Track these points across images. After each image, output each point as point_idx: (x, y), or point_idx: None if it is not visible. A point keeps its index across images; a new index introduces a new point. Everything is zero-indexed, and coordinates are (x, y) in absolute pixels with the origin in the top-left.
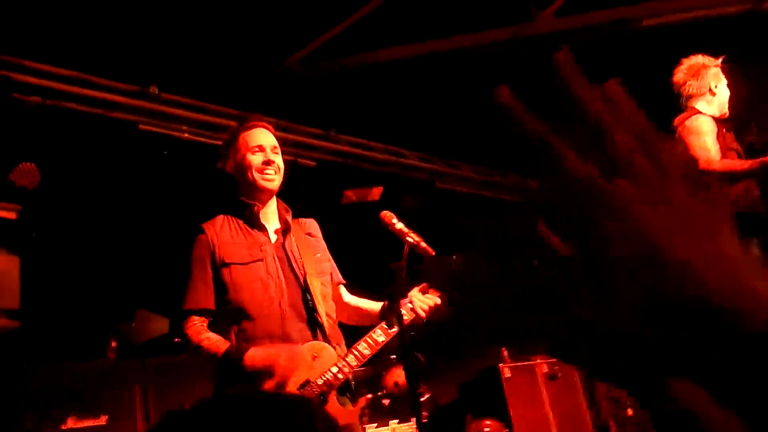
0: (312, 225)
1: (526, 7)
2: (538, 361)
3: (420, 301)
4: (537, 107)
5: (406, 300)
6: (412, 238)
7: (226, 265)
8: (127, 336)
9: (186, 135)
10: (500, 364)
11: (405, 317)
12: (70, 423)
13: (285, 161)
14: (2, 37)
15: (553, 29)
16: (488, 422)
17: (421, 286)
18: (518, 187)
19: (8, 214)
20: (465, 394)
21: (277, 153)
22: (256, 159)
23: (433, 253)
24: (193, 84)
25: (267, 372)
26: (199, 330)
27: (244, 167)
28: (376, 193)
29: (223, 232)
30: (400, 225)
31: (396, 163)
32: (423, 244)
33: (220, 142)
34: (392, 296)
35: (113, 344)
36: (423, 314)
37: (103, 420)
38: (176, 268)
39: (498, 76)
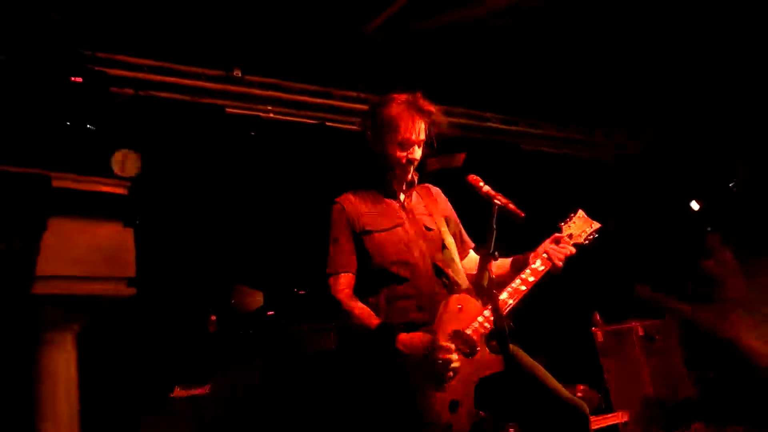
0: (438, 191)
1: None
2: (633, 324)
3: (556, 251)
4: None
5: (541, 251)
6: (500, 200)
7: (368, 233)
8: (226, 310)
9: (271, 115)
10: (593, 328)
11: (541, 268)
12: (177, 392)
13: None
14: (95, 34)
15: None
16: (580, 387)
17: (553, 237)
18: (601, 143)
19: (120, 190)
20: (556, 360)
21: (421, 147)
22: (402, 153)
23: (523, 215)
24: (274, 63)
25: (414, 360)
26: (351, 295)
27: (387, 155)
28: (459, 159)
29: (358, 203)
30: (487, 187)
31: (478, 127)
32: (511, 206)
33: (305, 120)
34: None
35: (213, 318)
36: (560, 263)
37: (207, 389)
38: (270, 244)
39: (581, 27)
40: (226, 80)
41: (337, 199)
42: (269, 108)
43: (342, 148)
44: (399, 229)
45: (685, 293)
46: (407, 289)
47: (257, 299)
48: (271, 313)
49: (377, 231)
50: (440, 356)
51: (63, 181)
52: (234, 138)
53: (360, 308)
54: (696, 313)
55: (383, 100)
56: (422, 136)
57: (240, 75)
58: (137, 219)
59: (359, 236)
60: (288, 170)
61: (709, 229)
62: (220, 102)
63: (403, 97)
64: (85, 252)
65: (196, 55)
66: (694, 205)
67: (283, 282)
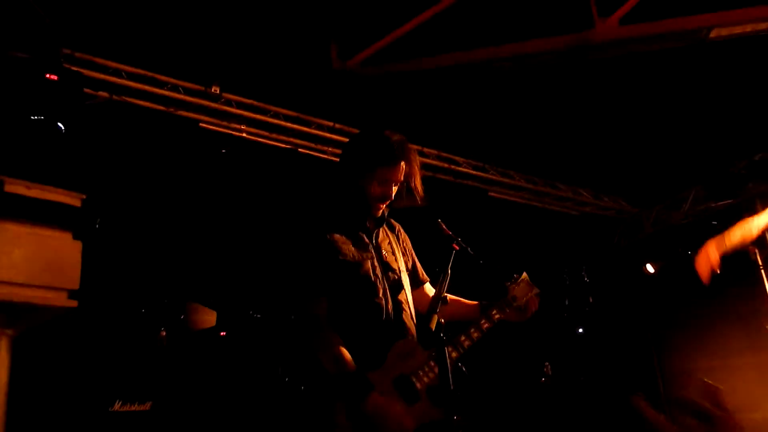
0: (399, 226)
1: (588, 14)
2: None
3: (502, 317)
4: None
5: (487, 312)
6: (461, 245)
7: (337, 261)
8: (177, 326)
9: (244, 134)
10: (543, 379)
11: (485, 326)
12: (117, 406)
13: None
14: (75, 35)
15: (615, 37)
16: None
17: (499, 302)
18: (568, 198)
19: (74, 201)
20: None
21: (397, 186)
22: (379, 190)
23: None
24: (253, 85)
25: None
26: (328, 341)
27: (364, 189)
28: (424, 200)
29: (330, 229)
30: (449, 232)
31: (448, 170)
32: (470, 251)
33: (278, 143)
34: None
35: (163, 333)
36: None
37: (148, 406)
38: (229, 263)
39: (557, 85)
40: (204, 95)
41: (310, 222)
42: (243, 127)
43: (312, 176)
44: (368, 263)
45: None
46: (366, 326)
47: (210, 318)
48: (223, 334)
49: (348, 260)
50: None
51: (15, 186)
52: (205, 153)
53: (340, 343)
54: None
55: (375, 134)
56: (401, 177)
57: (218, 92)
58: (97, 223)
59: (328, 264)
60: (258, 192)
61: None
62: (194, 116)
63: (396, 136)
64: (30, 259)
65: (176, 67)
66: (650, 269)
67: (239, 303)
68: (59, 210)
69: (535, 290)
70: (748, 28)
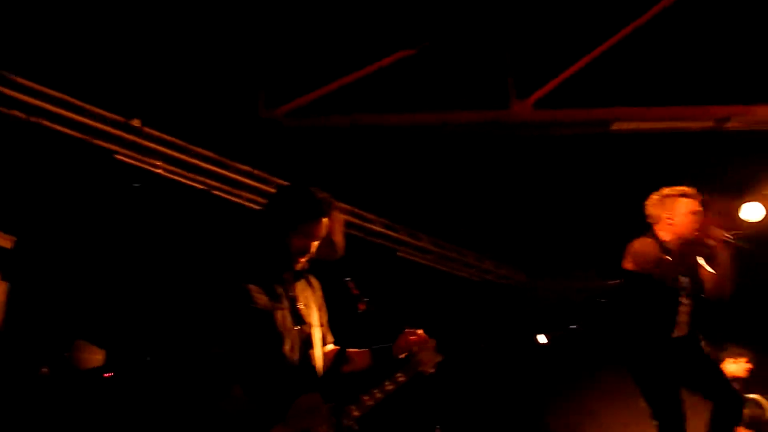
0: (317, 282)
1: (505, 95)
2: None
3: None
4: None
5: (392, 376)
6: (367, 305)
7: (248, 309)
8: (61, 364)
9: (161, 171)
10: None
11: (389, 388)
12: None
13: None
14: None
15: (527, 119)
16: None
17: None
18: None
19: (5, 243)
20: None
21: (318, 240)
22: (300, 244)
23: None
24: (176, 123)
25: None
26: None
27: (287, 244)
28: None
29: (245, 278)
30: (357, 292)
31: (359, 226)
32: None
33: (194, 183)
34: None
35: (44, 371)
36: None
37: None
38: (126, 302)
39: (470, 156)
40: (124, 127)
41: (230, 267)
42: (160, 164)
43: (225, 219)
44: (279, 313)
45: None
46: (272, 377)
47: (97, 357)
48: (109, 375)
49: (259, 309)
50: None
51: None
52: (115, 186)
53: (237, 387)
54: None
55: (300, 189)
56: (323, 233)
57: (139, 125)
58: None
59: (242, 310)
60: (164, 230)
61: None
62: (111, 146)
63: (321, 193)
64: None
65: (98, 97)
66: (542, 339)
67: (132, 345)
68: None
69: (439, 358)
70: (645, 125)
